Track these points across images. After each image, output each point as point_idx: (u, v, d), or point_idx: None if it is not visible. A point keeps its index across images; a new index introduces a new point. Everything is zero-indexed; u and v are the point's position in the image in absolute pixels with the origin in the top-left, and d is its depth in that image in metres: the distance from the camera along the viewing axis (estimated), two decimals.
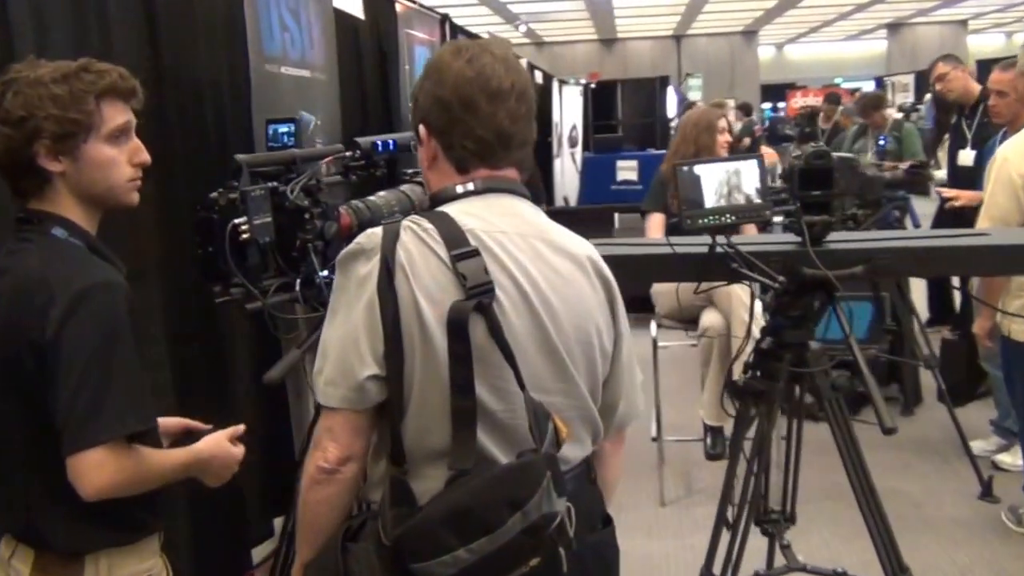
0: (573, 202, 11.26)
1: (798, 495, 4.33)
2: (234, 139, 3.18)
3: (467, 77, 1.61)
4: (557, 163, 11.50)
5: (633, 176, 10.97)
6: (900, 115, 14.44)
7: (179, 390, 2.94)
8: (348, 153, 2.37)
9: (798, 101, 21.98)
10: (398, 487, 1.52)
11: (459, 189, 1.64)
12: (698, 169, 2.19)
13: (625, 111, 14.29)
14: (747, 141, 12.79)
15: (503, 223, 1.61)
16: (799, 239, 2.27)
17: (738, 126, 13.57)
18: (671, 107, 14.49)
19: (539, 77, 12.68)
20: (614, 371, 1.74)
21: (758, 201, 2.22)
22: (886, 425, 2.17)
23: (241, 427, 1.96)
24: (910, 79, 19.80)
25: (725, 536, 2.71)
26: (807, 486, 4.41)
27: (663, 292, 4.20)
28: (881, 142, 6.73)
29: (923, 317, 6.80)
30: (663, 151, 8.73)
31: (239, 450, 1.93)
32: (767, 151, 13.88)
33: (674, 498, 4.39)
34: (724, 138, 4.45)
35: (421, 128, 1.67)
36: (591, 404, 1.70)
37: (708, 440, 4.30)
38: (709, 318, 4.13)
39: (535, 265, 1.60)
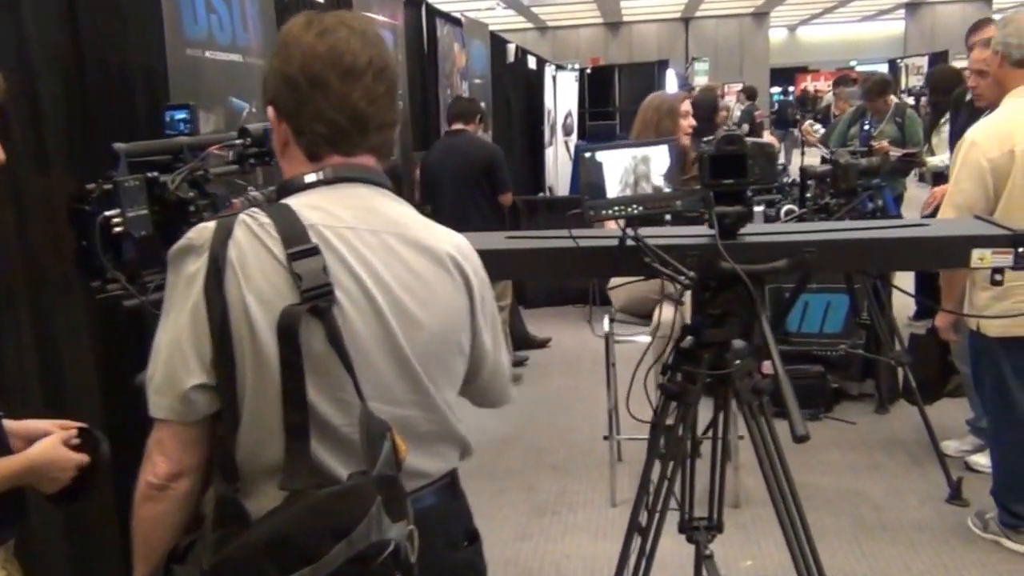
0: (563, 191, 11.12)
1: (756, 496, 4.23)
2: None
3: (317, 52, 1.47)
4: (549, 152, 11.38)
5: None
6: (911, 99, 14.16)
7: (105, 392, 2.85)
8: (239, 141, 2.23)
9: (809, 85, 21.74)
10: (225, 507, 1.40)
11: (307, 179, 1.51)
12: (601, 155, 2.04)
13: (623, 97, 14.09)
14: (746, 127, 12.59)
15: (351, 217, 1.47)
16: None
17: (737, 111, 13.38)
18: (672, 92, 14.31)
19: (532, 63, 12.56)
20: (477, 364, 1.64)
21: (667, 190, 2.07)
22: (797, 432, 2.02)
23: (74, 431, 1.86)
24: (924, 61, 19.48)
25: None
26: (764, 484, 4.29)
27: (618, 286, 4.07)
28: (866, 126, 6.54)
29: (911, 311, 6.67)
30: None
31: (78, 456, 1.83)
32: (767, 137, 13.75)
33: (627, 499, 4.23)
34: (687, 123, 4.29)
35: (270, 111, 1.54)
36: (453, 416, 1.59)
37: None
38: (664, 313, 3.98)
39: (387, 264, 1.47)
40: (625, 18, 24.65)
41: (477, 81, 7.41)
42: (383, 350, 1.46)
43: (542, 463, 4.78)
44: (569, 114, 12.84)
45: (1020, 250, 2.11)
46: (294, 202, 1.47)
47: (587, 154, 2.05)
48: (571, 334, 7.12)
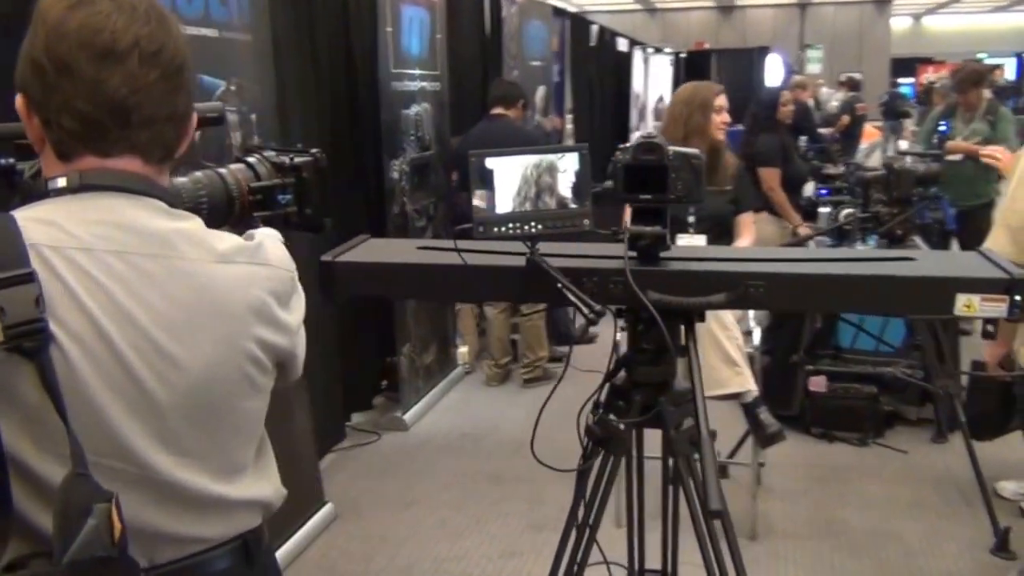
0: None
1: (779, 527, 3.85)
2: None
3: (65, 30, 1.19)
4: (635, 137, 10.95)
5: None
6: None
7: None
8: None
9: (929, 77, 20.54)
10: None
11: (53, 184, 1.24)
12: (492, 162, 1.71)
13: (720, 82, 13.50)
14: (845, 119, 11.88)
15: (91, 236, 1.20)
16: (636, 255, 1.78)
17: (833, 103, 12.68)
18: (774, 80, 13.63)
19: (624, 45, 12.14)
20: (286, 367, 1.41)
21: (574, 206, 1.73)
22: (711, 506, 1.67)
23: None
24: None
25: None
26: (794, 516, 3.91)
27: None
28: (942, 126, 5.95)
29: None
30: None
31: None
32: (868, 130, 13.00)
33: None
34: (721, 119, 3.91)
35: (19, 100, 1.26)
36: (245, 470, 1.33)
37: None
38: None
39: (136, 295, 1.20)
40: (738, 2, 23.73)
41: (536, 63, 7.04)
42: (124, 399, 1.19)
43: (555, 472, 4.44)
44: (661, 99, 12.38)
45: (1017, 298, 1.71)
46: (25, 214, 1.20)
47: (474, 159, 1.72)
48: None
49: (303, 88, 4.13)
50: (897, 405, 4.86)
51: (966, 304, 1.73)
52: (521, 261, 1.83)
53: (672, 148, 1.76)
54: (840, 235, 4.66)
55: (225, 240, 1.31)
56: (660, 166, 1.75)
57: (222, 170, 2.14)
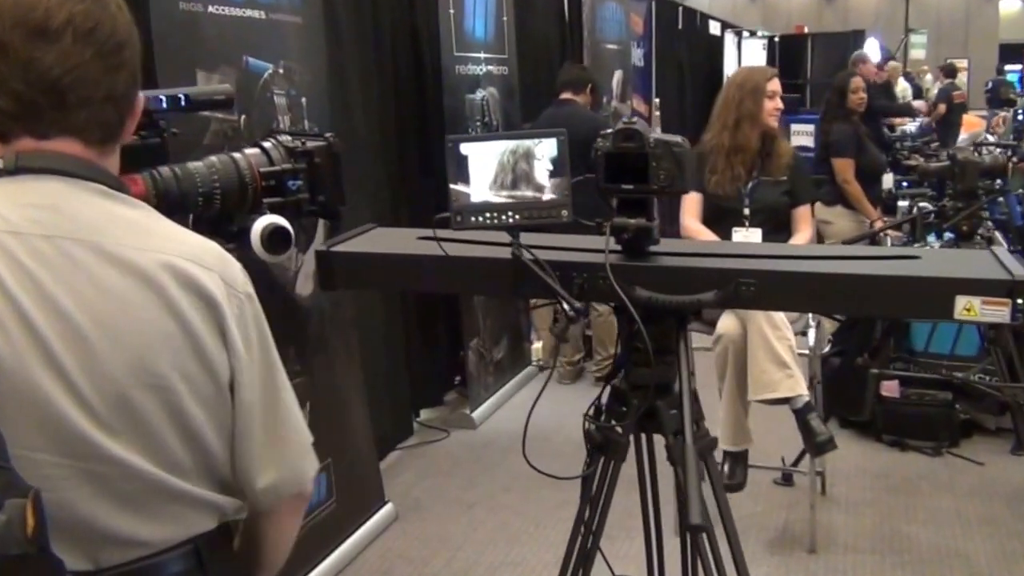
0: None
1: (841, 540, 3.64)
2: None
3: (1, 8, 1.18)
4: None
5: (809, 142, 10.05)
6: None
7: None
8: None
9: None
10: None
11: None
12: (466, 148, 1.61)
13: (815, 68, 13.10)
14: (942, 108, 11.37)
15: (23, 220, 1.18)
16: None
17: (934, 91, 12.16)
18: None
19: (716, 28, 11.86)
20: (239, 427, 1.29)
21: (552, 196, 1.61)
22: (691, 520, 1.54)
23: None
24: None
25: None
26: (857, 529, 3.70)
27: None
28: (1020, 115, 5.59)
29: None
30: None
31: None
32: (969, 119, 12.42)
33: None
34: (774, 104, 3.72)
35: None
36: (172, 471, 1.25)
37: (726, 467, 3.60)
38: (725, 323, 3.44)
39: (65, 281, 1.17)
40: None
41: (611, 47, 6.85)
42: (49, 389, 1.16)
43: (623, 475, 4.30)
44: None
45: (1020, 301, 1.54)
46: None
47: (449, 145, 1.62)
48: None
49: (364, 71, 4.06)
50: (975, 413, 4.55)
51: (966, 307, 1.59)
52: (509, 253, 1.72)
53: (653, 136, 1.63)
54: (913, 230, 4.40)
55: (165, 227, 1.28)
56: (640, 154, 1.62)
57: (236, 155, 2.07)
